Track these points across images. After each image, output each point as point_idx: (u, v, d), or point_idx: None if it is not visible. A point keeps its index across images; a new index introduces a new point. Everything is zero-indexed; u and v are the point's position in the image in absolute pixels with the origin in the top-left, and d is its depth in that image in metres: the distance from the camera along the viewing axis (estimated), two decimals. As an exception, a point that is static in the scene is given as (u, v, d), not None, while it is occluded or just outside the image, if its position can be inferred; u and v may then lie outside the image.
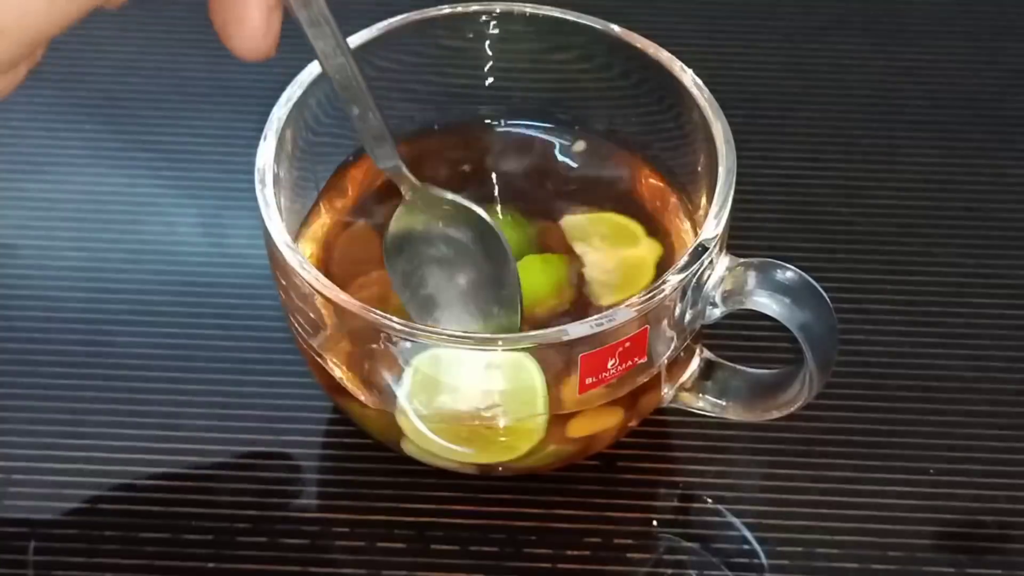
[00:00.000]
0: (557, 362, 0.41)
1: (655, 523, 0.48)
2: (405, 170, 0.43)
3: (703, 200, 0.47)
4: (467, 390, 0.43)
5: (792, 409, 0.45)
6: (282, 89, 0.46)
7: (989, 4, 0.68)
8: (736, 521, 0.48)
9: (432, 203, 0.44)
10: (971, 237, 0.57)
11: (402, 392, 0.43)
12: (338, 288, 0.41)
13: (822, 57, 0.65)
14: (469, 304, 0.45)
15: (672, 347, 0.44)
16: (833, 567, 0.46)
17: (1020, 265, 0.56)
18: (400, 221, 0.45)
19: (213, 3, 0.36)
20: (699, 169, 0.47)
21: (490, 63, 0.51)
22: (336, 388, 0.45)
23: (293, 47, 0.45)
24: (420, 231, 0.45)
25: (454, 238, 0.45)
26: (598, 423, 0.45)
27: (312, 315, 0.43)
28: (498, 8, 0.49)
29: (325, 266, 0.48)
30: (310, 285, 0.41)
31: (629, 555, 0.47)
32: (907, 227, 0.57)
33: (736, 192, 0.44)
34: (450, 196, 0.44)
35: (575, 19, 0.49)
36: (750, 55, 0.65)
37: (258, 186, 0.43)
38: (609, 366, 0.41)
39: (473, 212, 0.44)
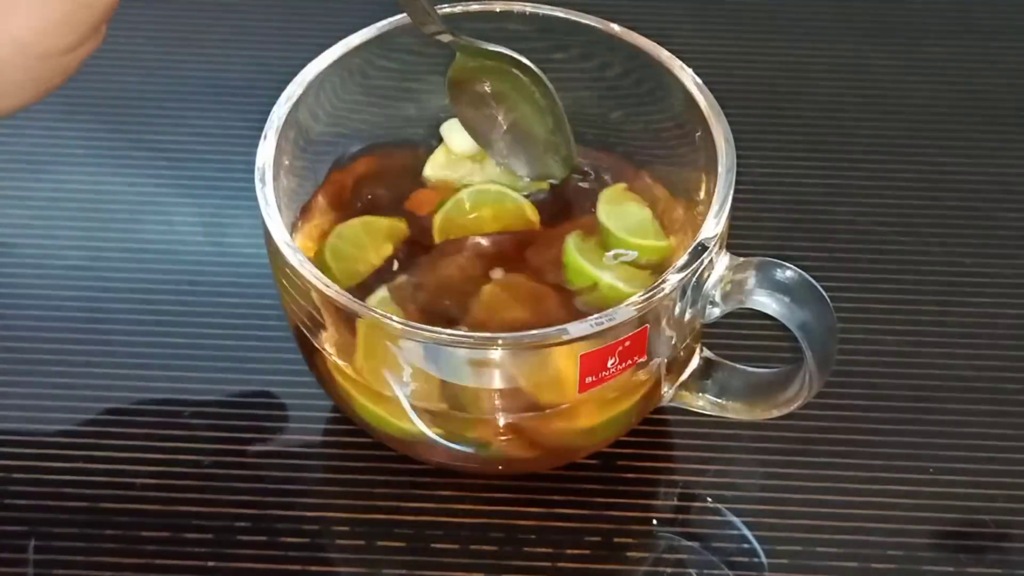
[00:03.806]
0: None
1: (655, 522, 0.48)
2: (449, 34, 0.47)
3: (703, 200, 0.47)
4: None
5: (792, 408, 0.45)
6: (282, 88, 0.46)
7: (989, 4, 0.68)
8: (736, 520, 0.48)
9: (484, 56, 0.47)
10: (971, 237, 0.57)
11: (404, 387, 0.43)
12: (338, 287, 0.41)
13: (822, 57, 0.65)
14: (526, 138, 0.49)
15: (672, 346, 0.44)
16: (833, 567, 0.46)
17: (1020, 265, 0.56)
18: (455, 69, 0.48)
19: None
20: (699, 169, 0.47)
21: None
22: (335, 387, 0.45)
23: (293, 46, 0.45)
24: (472, 79, 0.48)
25: (508, 89, 0.48)
26: (598, 421, 0.45)
27: (312, 314, 0.43)
28: (498, 8, 0.49)
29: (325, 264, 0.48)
30: (310, 284, 0.41)
31: (629, 554, 0.47)
32: (907, 227, 0.57)
33: (736, 192, 0.44)
34: (490, 47, 0.47)
35: (575, 19, 0.49)
36: (749, 55, 0.65)
37: (258, 185, 0.43)
38: (609, 365, 0.41)
39: (515, 59, 0.47)
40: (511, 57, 0.47)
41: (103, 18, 0.38)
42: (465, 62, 0.48)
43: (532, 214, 0.49)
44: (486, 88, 0.49)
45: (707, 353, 0.47)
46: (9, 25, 0.36)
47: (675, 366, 0.46)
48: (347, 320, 0.42)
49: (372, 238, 0.48)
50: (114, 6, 0.38)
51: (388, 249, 0.47)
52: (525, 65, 0.47)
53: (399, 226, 0.48)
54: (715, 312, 0.44)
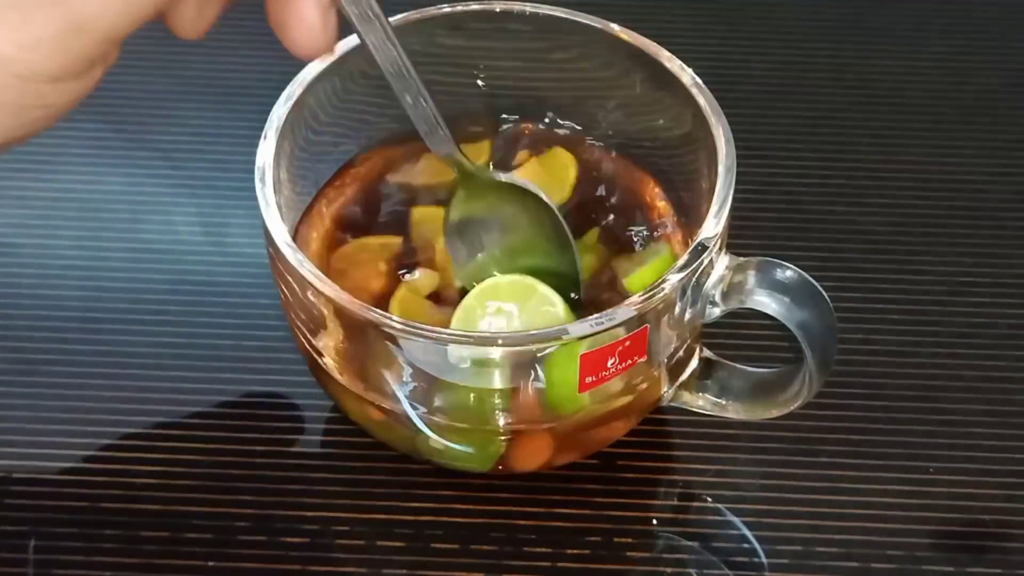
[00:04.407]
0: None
1: (655, 522, 0.48)
2: (459, 155, 0.44)
3: (703, 199, 0.47)
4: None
5: (792, 408, 0.45)
6: (282, 88, 0.46)
7: (989, 4, 0.68)
8: (736, 520, 0.48)
9: (487, 186, 0.45)
10: (971, 237, 0.57)
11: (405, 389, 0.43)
12: (338, 287, 0.41)
13: (822, 57, 0.65)
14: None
15: (672, 346, 0.44)
16: (833, 566, 0.46)
17: (1020, 265, 0.56)
18: (459, 207, 0.45)
19: (270, 3, 0.38)
20: (698, 168, 0.47)
21: (490, 62, 0.51)
22: (336, 387, 0.45)
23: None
24: (478, 215, 0.45)
25: (512, 221, 0.45)
26: (598, 421, 0.45)
27: (312, 314, 0.43)
28: (498, 8, 0.49)
29: (325, 265, 0.48)
30: (310, 284, 0.41)
31: (629, 554, 0.47)
32: (907, 227, 0.57)
33: (736, 192, 0.44)
34: (505, 178, 0.45)
35: (575, 18, 0.49)
36: (750, 55, 0.65)
37: (258, 185, 0.43)
38: (609, 365, 0.41)
39: (529, 193, 0.45)
40: (520, 188, 0.45)
41: (95, 52, 0.35)
42: (468, 191, 0.45)
43: (565, 313, 0.45)
44: (488, 220, 0.46)
45: (707, 353, 0.47)
46: None
47: (675, 366, 0.46)
48: (347, 320, 0.42)
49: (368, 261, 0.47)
50: (109, 44, 0.35)
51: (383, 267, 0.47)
52: (533, 195, 0.45)
53: (393, 242, 0.48)
54: (715, 312, 0.44)
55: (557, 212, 0.46)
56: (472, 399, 0.43)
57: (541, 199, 0.46)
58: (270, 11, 0.38)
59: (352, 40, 0.47)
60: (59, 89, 0.36)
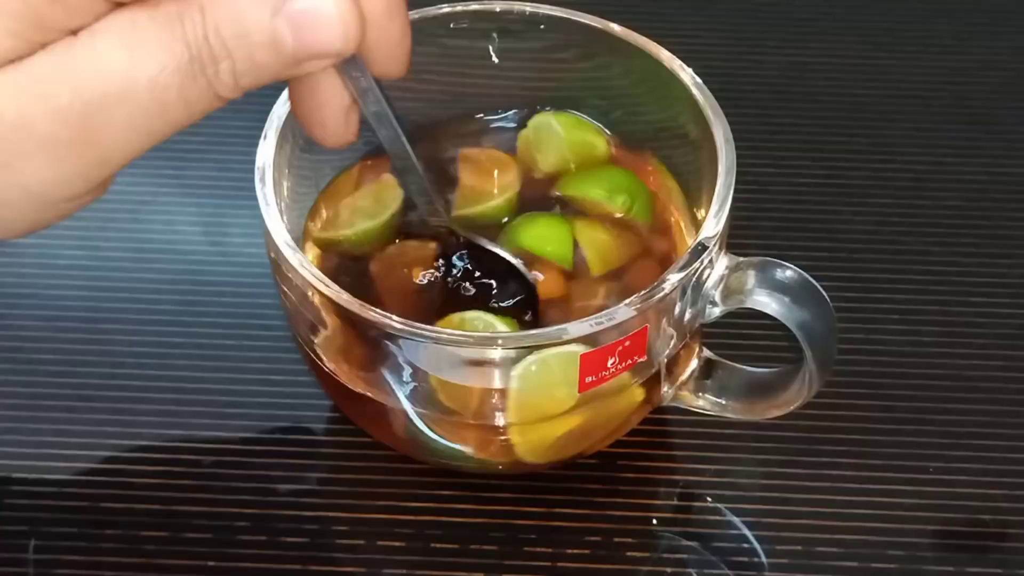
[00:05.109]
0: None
1: (655, 522, 0.48)
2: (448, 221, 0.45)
3: (703, 199, 0.47)
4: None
5: (792, 408, 0.45)
6: (282, 88, 0.46)
7: (990, 4, 0.68)
8: (736, 520, 0.48)
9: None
10: (971, 237, 0.57)
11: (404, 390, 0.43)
12: (338, 287, 0.41)
13: (822, 57, 0.65)
14: None
15: (672, 346, 0.44)
16: (833, 566, 0.46)
17: (1020, 265, 0.56)
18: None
19: (297, 105, 0.39)
20: (699, 168, 0.47)
21: (490, 62, 0.51)
22: (336, 388, 0.45)
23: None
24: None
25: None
26: (598, 422, 0.45)
27: (312, 315, 0.43)
28: (498, 8, 0.49)
29: (325, 265, 0.48)
30: (310, 285, 0.41)
31: (629, 554, 0.47)
32: (907, 227, 0.57)
33: (736, 192, 0.44)
34: (490, 246, 0.46)
35: (575, 18, 0.49)
36: (750, 55, 0.65)
37: (258, 185, 0.43)
38: (609, 365, 0.41)
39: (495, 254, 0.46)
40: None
41: (115, 173, 0.38)
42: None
43: None
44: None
45: (707, 353, 0.47)
46: (21, 173, 0.35)
47: (675, 366, 0.46)
48: (347, 320, 0.42)
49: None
50: (126, 164, 0.37)
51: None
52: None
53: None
54: (715, 312, 0.44)
55: (534, 286, 0.46)
56: (472, 399, 0.43)
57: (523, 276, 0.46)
58: (296, 108, 0.39)
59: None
60: (74, 203, 0.38)
